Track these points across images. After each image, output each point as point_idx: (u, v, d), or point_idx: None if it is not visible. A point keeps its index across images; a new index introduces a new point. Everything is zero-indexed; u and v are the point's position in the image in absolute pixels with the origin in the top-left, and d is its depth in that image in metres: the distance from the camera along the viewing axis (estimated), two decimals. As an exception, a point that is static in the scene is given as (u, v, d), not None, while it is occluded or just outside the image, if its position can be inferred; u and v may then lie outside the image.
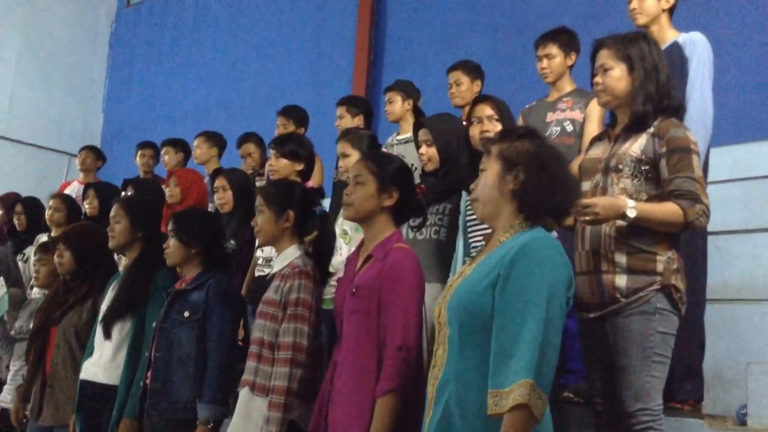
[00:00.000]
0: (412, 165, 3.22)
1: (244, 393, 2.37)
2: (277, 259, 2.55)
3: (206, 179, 4.55)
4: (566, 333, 2.86)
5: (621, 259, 2.18)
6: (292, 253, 2.50)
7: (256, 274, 3.38)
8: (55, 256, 3.29)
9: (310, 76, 7.27)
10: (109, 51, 9.65)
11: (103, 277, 3.20)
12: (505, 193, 1.76)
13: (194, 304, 2.68)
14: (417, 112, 3.94)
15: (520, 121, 3.50)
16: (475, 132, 2.73)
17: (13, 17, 8.78)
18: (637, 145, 2.22)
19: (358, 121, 4.12)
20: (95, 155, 5.63)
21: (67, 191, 5.27)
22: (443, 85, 3.97)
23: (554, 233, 1.84)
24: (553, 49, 3.41)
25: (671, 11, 3.04)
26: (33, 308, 3.77)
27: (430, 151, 2.89)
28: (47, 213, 4.30)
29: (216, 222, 3.07)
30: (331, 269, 2.67)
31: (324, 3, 7.39)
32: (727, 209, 3.63)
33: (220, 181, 3.62)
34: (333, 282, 2.87)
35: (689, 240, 2.65)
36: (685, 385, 2.77)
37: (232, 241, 3.44)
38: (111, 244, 3.07)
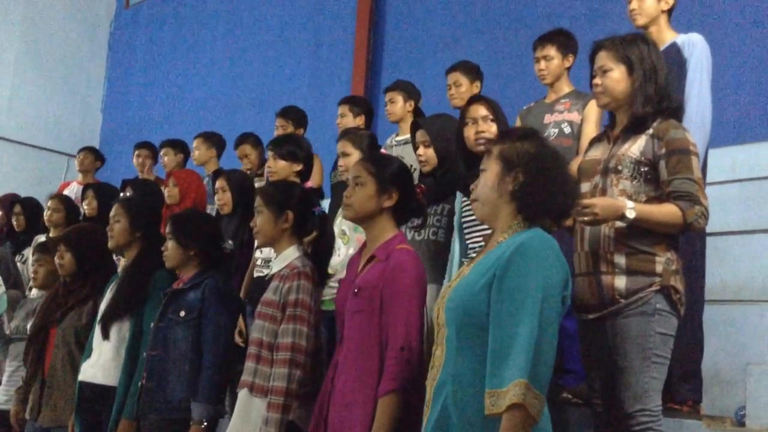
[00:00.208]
0: (411, 166, 3.23)
1: (242, 394, 2.37)
2: (276, 259, 2.55)
3: (205, 180, 4.55)
4: (565, 334, 2.87)
5: (620, 260, 2.19)
6: (291, 254, 2.50)
7: (255, 274, 3.38)
8: (56, 258, 3.29)
9: (309, 77, 7.27)
10: (108, 52, 9.66)
11: (104, 278, 3.20)
12: (504, 194, 1.76)
13: (190, 304, 2.69)
14: (417, 113, 3.94)
15: (517, 123, 3.51)
16: (470, 133, 2.70)
17: (12, 18, 8.78)
18: (636, 147, 2.23)
19: (359, 121, 4.12)
20: (94, 156, 5.63)
21: (65, 192, 5.27)
22: (442, 86, 3.97)
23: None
24: (551, 51, 3.42)
25: (670, 12, 3.04)
26: (29, 308, 3.77)
27: (427, 152, 2.89)
28: (46, 214, 4.29)
29: (214, 223, 3.07)
30: (329, 270, 2.67)
31: (323, 4, 7.39)
32: (725, 210, 3.64)
33: (220, 182, 3.62)
34: (332, 283, 2.87)
35: (688, 241, 2.65)
36: (684, 386, 2.78)
37: (230, 242, 3.44)
38: (110, 244, 3.08)
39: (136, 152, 5.33)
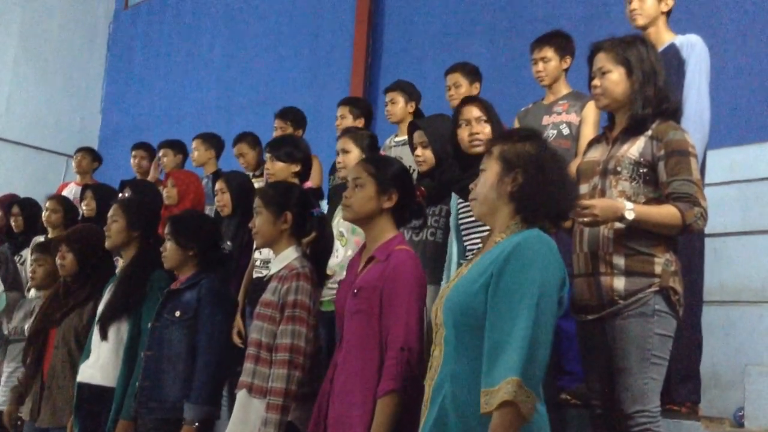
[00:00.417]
0: (410, 167, 3.23)
1: (241, 395, 2.37)
2: (274, 260, 2.55)
3: (204, 181, 4.55)
4: (564, 335, 2.88)
5: (619, 261, 2.19)
6: (289, 255, 2.50)
7: (255, 275, 3.38)
8: (57, 258, 3.29)
9: (308, 78, 7.27)
10: (107, 52, 9.65)
11: (104, 279, 3.20)
12: (503, 194, 1.76)
13: (186, 304, 2.69)
14: (418, 115, 3.94)
15: (516, 124, 3.51)
16: (464, 134, 2.69)
17: (11, 18, 8.78)
18: (635, 148, 2.23)
19: (359, 123, 4.12)
20: (91, 157, 5.63)
21: (63, 193, 5.27)
22: (441, 87, 3.98)
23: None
24: (549, 53, 3.42)
25: (668, 14, 3.05)
26: (28, 309, 3.77)
27: (425, 153, 2.89)
28: (44, 214, 4.29)
29: (213, 224, 3.08)
30: (327, 272, 2.67)
31: (322, 5, 7.39)
32: (724, 211, 3.64)
33: (219, 184, 3.62)
34: (331, 284, 2.87)
35: (686, 242, 2.65)
36: (683, 387, 2.78)
37: (228, 243, 3.44)
38: (107, 244, 3.08)
39: (133, 153, 5.34)
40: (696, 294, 2.82)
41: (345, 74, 6.87)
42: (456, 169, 2.77)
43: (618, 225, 2.17)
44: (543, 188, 1.73)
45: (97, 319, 2.99)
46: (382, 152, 3.84)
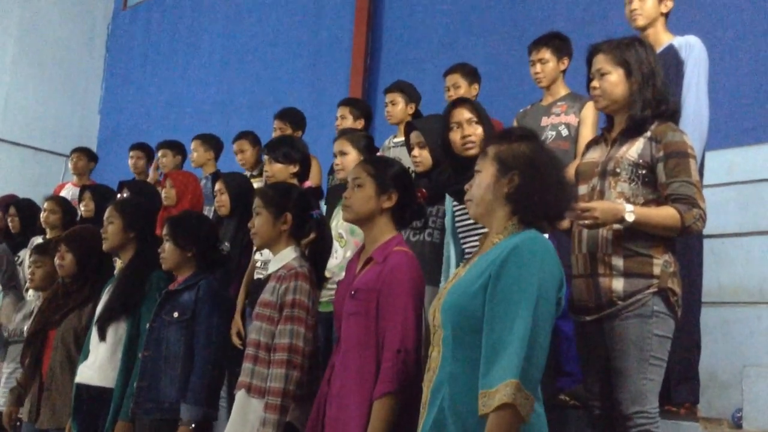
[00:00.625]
0: (409, 168, 3.22)
1: (240, 395, 2.37)
2: (273, 260, 2.55)
3: (203, 182, 4.55)
4: (563, 336, 2.88)
5: (618, 262, 2.19)
6: (288, 255, 2.50)
7: (255, 277, 3.37)
8: (56, 259, 3.28)
9: (307, 79, 7.27)
10: (105, 53, 9.64)
11: (103, 280, 3.20)
12: (500, 196, 1.75)
13: (184, 305, 2.69)
14: (417, 116, 3.94)
15: (514, 125, 3.51)
16: (455, 137, 2.66)
17: (9, 18, 8.77)
18: (634, 149, 2.23)
19: (359, 124, 4.12)
20: (87, 157, 5.62)
21: (61, 194, 5.27)
22: (440, 88, 3.98)
23: (546, 235, 1.84)
24: (546, 54, 3.43)
25: (666, 16, 3.05)
26: (27, 310, 3.76)
27: (422, 153, 2.88)
28: (42, 215, 4.29)
29: (211, 225, 3.07)
30: (326, 273, 2.67)
31: (321, 6, 7.39)
32: (722, 212, 3.64)
33: (218, 185, 3.62)
34: (329, 285, 2.87)
35: (685, 243, 2.66)
36: (682, 388, 2.78)
37: (226, 244, 3.44)
38: (104, 245, 3.07)
39: (130, 153, 5.35)
40: (694, 295, 2.83)
41: (344, 75, 6.87)
42: (449, 170, 2.75)
43: (617, 226, 2.18)
44: (540, 189, 1.73)
45: (95, 319, 2.99)
46: (381, 153, 3.85)
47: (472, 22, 6.17)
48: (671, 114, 2.29)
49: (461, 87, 3.84)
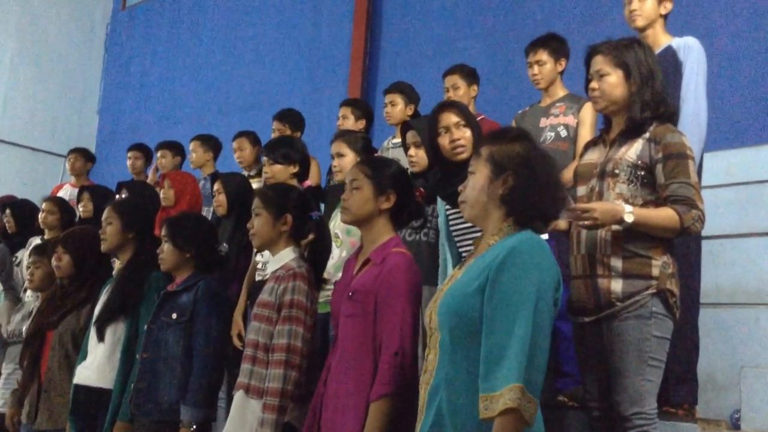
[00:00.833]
0: (408, 169, 3.22)
1: (238, 396, 2.36)
2: (271, 261, 2.55)
3: (201, 182, 4.55)
4: (562, 336, 2.88)
5: (617, 263, 2.19)
6: (286, 255, 2.50)
7: (257, 278, 3.37)
8: (53, 259, 3.28)
9: (306, 80, 7.28)
10: (104, 53, 9.64)
11: (101, 281, 3.20)
12: (494, 197, 1.74)
13: (182, 306, 2.69)
14: (416, 117, 3.94)
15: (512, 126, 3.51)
16: (444, 142, 2.62)
17: (8, 19, 8.77)
18: (633, 151, 2.23)
19: (360, 125, 4.12)
20: (85, 157, 5.62)
21: (59, 194, 5.26)
22: (439, 89, 3.98)
23: (545, 236, 1.84)
24: (544, 56, 3.44)
25: (666, 17, 3.06)
26: (26, 311, 3.76)
27: (418, 153, 2.87)
28: (40, 216, 4.28)
29: (209, 226, 3.07)
30: (325, 275, 2.67)
31: (320, 7, 7.39)
32: (720, 214, 3.65)
33: (217, 185, 3.62)
34: (326, 286, 2.87)
35: (683, 244, 2.66)
36: (680, 390, 2.78)
37: (225, 245, 3.44)
38: (103, 246, 3.07)
39: (128, 154, 5.35)
40: (693, 296, 2.83)
41: (343, 76, 6.87)
42: (438, 174, 2.73)
43: (616, 227, 2.18)
44: (535, 190, 1.72)
45: (94, 320, 2.98)
46: (380, 154, 3.85)
47: (471, 24, 6.17)
48: (670, 115, 2.29)
49: (460, 88, 3.84)
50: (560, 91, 3.48)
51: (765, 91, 4.50)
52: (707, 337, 3.04)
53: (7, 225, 4.68)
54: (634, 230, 2.16)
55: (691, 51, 2.90)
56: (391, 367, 2.01)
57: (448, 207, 2.70)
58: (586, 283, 2.25)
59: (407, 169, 3.15)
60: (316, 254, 2.58)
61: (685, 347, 2.76)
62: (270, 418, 2.26)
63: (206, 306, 2.68)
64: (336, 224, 3.05)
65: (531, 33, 3.80)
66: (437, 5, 6.45)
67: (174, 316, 2.68)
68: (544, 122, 3.42)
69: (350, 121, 4.14)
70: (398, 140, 4.02)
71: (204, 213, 4.10)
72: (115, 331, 2.92)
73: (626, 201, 2.19)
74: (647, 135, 2.23)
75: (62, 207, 4.33)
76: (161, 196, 4.02)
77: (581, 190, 2.32)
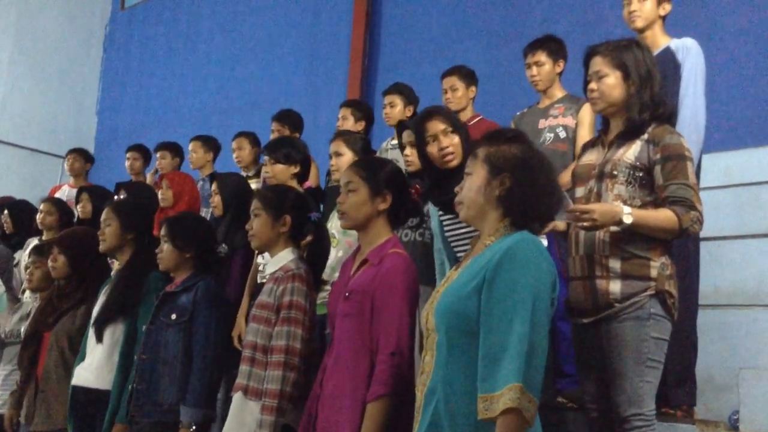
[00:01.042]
0: (406, 170, 3.22)
1: (237, 397, 2.36)
2: (270, 262, 2.55)
3: (200, 183, 4.55)
4: (561, 336, 2.88)
5: (615, 264, 2.19)
6: (285, 257, 2.49)
7: (258, 280, 3.36)
8: (49, 261, 3.28)
9: (305, 81, 7.27)
10: (103, 54, 9.63)
11: (98, 282, 3.19)
12: (491, 198, 1.74)
13: (182, 307, 2.68)
14: None
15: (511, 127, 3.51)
16: (433, 150, 2.58)
17: (6, 19, 8.75)
18: (631, 152, 2.24)
19: (359, 126, 4.13)
20: (83, 158, 5.62)
21: (57, 195, 5.26)
22: (438, 90, 3.98)
23: (544, 238, 1.84)
24: (542, 57, 3.45)
25: (664, 18, 3.06)
26: (24, 312, 3.75)
27: (414, 153, 2.87)
28: (39, 216, 4.28)
29: (209, 226, 3.07)
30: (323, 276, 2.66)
31: (319, 8, 7.39)
32: (719, 215, 3.66)
33: (214, 185, 3.62)
34: (326, 288, 2.86)
35: (682, 245, 2.66)
36: (679, 391, 2.78)
37: (224, 245, 3.44)
38: (101, 247, 3.07)
39: (127, 155, 5.35)
40: (691, 297, 2.83)
41: (342, 77, 6.87)
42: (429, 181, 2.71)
43: (614, 228, 2.18)
44: (532, 191, 1.72)
45: (92, 321, 2.98)
46: (378, 155, 3.85)
47: (470, 25, 6.17)
48: (668, 116, 2.29)
49: (459, 89, 3.85)
50: (559, 92, 3.49)
51: (764, 92, 4.51)
52: (706, 338, 3.04)
53: (5, 226, 4.67)
54: (633, 231, 2.16)
55: (689, 52, 2.91)
56: (389, 367, 2.01)
57: (441, 212, 2.69)
58: (584, 284, 2.25)
59: (406, 170, 3.16)
60: (315, 255, 2.58)
61: (683, 348, 2.76)
62: (268, 420, 2.25)
63: (206, 307, 2.68)
64: (333, 224, 3.05)
65: (531, 34, 3.80)
66: (437, 6, 6.45)
67: (173, 316, 2.68)
68: (542, 123, 3.42)
69: (350, 122, 4.14)
70: (397, 141, 4.02)
71: (203, 214, 4.10)
72: (114, 332, 2.92)
73: (624, 202, 2.19)
74: (646, 136, 2.24)
75: (60, 208, 4.32)
76: (160, 196, 4.02)
77: (579, 191, 2.33)
